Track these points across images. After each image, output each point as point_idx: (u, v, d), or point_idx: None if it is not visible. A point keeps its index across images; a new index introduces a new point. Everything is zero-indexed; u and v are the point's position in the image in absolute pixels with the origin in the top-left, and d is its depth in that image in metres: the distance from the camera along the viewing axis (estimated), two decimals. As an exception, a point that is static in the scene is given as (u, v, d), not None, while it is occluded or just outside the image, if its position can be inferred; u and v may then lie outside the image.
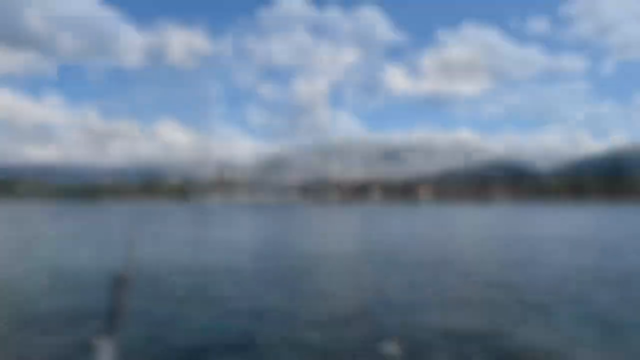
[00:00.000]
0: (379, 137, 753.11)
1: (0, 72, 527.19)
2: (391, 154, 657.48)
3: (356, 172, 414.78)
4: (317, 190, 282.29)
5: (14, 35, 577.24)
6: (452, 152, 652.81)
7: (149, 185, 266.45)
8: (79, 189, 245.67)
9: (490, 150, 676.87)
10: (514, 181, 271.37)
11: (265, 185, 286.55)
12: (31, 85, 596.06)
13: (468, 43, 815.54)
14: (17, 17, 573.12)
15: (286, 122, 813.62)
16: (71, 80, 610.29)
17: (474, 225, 47.76)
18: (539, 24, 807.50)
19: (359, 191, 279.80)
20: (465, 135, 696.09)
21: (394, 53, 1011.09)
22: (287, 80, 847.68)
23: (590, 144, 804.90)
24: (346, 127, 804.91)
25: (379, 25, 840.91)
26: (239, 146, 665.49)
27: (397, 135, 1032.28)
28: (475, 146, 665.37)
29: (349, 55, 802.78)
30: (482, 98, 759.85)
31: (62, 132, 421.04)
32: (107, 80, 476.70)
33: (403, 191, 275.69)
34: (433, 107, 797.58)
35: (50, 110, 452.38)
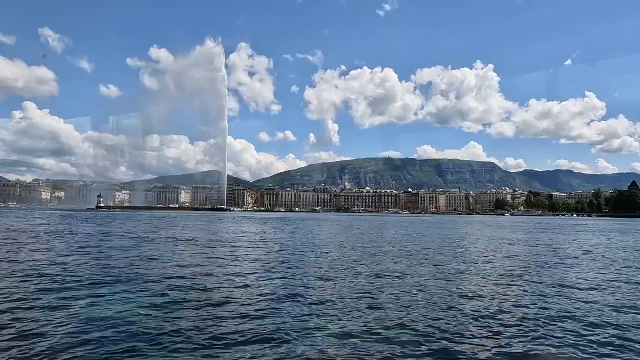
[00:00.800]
0: (390, 153, 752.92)
1: (19, 86, 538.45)
2: (401, 168, 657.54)
3: (367, 186, 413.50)
4: (329, 202, 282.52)
5: (32, 51, 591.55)
6: (462, 167, 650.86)
7: (164, 197, 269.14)
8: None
9: (502, 165, 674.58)
10: (527, 196, 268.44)
11: (278, 198, 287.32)
12: (47, 99, 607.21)
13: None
14: (35, 34, 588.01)
15: (298, 138, 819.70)
16: (86, 96, 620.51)
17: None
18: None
19: (373, 202, 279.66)
20: (476, 151, 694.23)
21: (404, 70, 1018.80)
22: (299, 96, 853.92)
23: (605, 162, 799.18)
24: (357, 143, 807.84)
25: (390, 42, 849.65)
26: (250, 160, 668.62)
27: (407, 151, 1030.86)
28: (486, 161, 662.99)
29: (359, 72, 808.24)
30: (493, 114, 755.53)
31: (76, 145, 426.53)
32: (123, 97, 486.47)
33: (414, 202, 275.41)
34: (443, 123, 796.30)
35: (65, 123, 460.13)
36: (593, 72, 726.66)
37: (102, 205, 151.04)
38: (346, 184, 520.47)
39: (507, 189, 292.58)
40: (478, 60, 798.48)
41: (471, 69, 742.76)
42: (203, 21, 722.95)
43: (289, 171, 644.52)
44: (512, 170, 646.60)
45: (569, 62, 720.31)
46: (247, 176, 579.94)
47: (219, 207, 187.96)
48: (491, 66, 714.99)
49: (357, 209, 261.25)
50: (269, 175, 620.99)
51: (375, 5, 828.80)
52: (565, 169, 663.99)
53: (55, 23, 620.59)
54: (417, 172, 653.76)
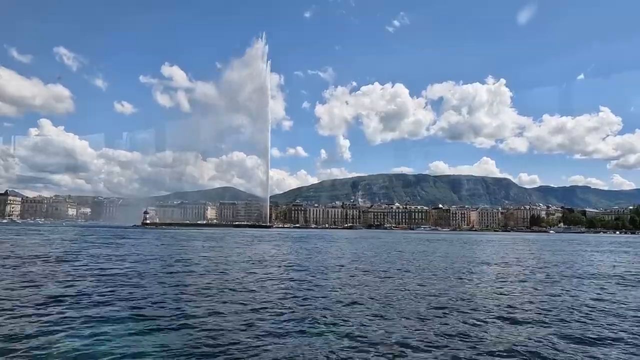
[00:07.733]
0: (402, 169, 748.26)
1: (35, 103, 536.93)
2: (414, 184, 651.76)
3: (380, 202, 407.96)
4: (357, 219, 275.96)
5: (48, 69, 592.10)
6: (477, 183, 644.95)
7: (191, 213, 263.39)
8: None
9: (516, 180, 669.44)
10: (563, 212, 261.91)
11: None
12: (63, 116, 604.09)
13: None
14: (50, 52, 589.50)
15: (309, 154, 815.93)
16: (101, 112, 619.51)
17: None
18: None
19: (403, 218, 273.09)
20: (489, 167, 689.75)
21: (415, 85, 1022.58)
22: (309, 112, 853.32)
23: (621, 177, 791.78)
24: (368, 158, 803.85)
25: (400, 58, 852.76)
26: (262, 176, 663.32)
27: (419, 166, 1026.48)
28: (500, 177, 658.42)
29: (370, 88, 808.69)
30: (505, 129, 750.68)
31: (91, 161, 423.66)
32: (137, 114, 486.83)
33: (445, 218, 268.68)
34: (455, 139, 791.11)
35: (80, 140, 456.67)
36: (607, 86, 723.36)
37: (148, 221, 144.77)
38: (359, 200, 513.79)
39: (541, 205, 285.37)
40: (489, 75, 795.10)
41: (483, 84, 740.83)
42: (214, 39, 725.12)
43: (301, 187, 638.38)
44: (527, 186, 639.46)
45: (581, 76, 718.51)
46: (258, 192, 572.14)
47: (261, 223, 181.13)
48: (503, 81, 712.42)
49: (388, 225, 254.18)
50: (281, 192, 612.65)
51: (385, 21, 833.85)
52: (580, 184, 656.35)
53: (70, 42, 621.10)
54: (430, 188, 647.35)
